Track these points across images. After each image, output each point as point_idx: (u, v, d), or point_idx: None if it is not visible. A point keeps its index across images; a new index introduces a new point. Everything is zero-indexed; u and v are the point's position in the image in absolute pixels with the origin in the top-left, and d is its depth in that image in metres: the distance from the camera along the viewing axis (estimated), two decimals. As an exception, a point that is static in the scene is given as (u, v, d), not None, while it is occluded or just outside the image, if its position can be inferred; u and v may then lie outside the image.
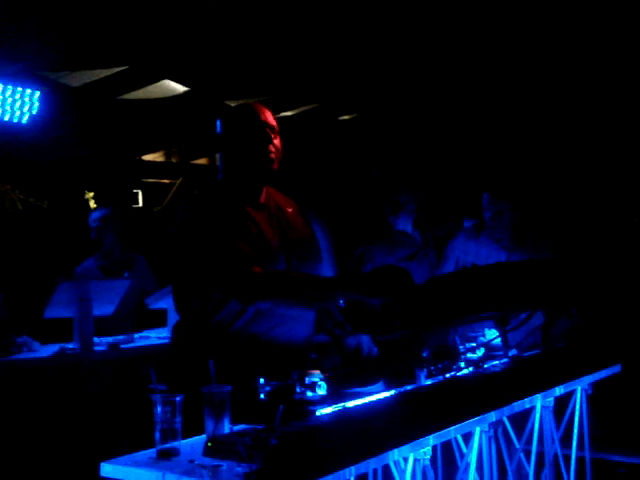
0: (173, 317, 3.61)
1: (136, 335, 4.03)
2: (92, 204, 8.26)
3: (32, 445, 3.06)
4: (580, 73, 5.33)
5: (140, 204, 8.60)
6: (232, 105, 2.31)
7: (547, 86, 5.56)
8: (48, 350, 3.63)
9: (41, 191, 7.17)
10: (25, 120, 4.96)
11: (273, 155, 2.34)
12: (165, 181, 8.87)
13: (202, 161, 8.81)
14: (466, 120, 6.50)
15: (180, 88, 5.98)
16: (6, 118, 4.85)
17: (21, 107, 4.88)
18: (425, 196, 3.89)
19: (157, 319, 4.23)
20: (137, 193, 8.67)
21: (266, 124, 2.34)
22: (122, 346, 3.79)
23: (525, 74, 5.53)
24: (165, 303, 4.01)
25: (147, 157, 8.16)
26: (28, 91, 4.92)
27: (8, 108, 4.81)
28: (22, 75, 4.92)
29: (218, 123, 2.44)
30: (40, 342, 3.70)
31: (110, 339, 3.85)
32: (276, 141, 2.36)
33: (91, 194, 8.20)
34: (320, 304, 2.21)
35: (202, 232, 2.21)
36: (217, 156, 8.47)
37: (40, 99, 4.99)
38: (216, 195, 2.34)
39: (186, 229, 2.27)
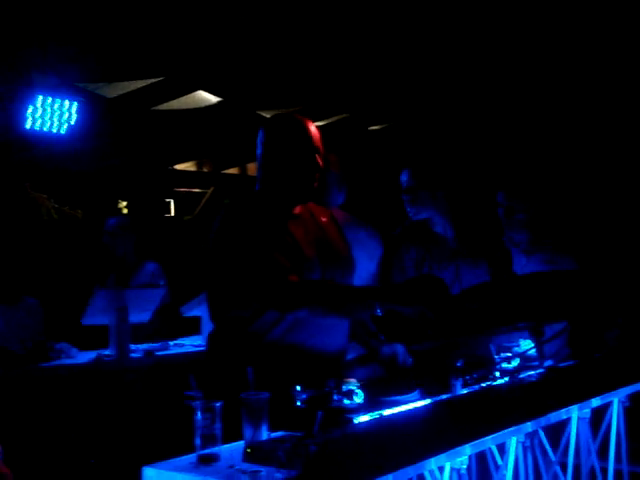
0: (207, 325, 3.65)
1: (171, 343, 4.08)
2: (125, 213, 8.39)
3: (73, 449, 3.11)
4: (592, 78, 5.32)
5: (172, 213, 8.72)
6: (270, 116, 2.28)
7: (571, 91, 5.56)
8: (85, 357, 3.70)
9: (76, 200, 7.30)
10: (63, 130, 5.06)
11: (317, 183, 2.36)
12: (196, 190, 8.97)
13: (233, 171, 8.90)
14: (492, 125, 6.50)
15: (213, 99, 6.05)
16: (45, 128, 4.96)
17: (60, 118, 4.98)
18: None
19: (192, 326, 4.27)
20: (169, 202, 8.78)
21: (317, 149, 2.33)
22: (157, 353, 3.84)
23: (547, 82, 5.53)
24: (199, 311, 4.05)
25: (179, 167, 8.26)
26: (66, 102, 5.02)
27: (48, 119, 4.92)
28: (61, 87, 5.03)
29: (262, 133, 2.39)
30: (78, 348, 3.77)
31: (146, 346, 3.91)
32: (319, 161, 2.36)
33: (124, 203, 8.33)
34: (357, 313, 2.21)
35: (239, 242, 2.23)
36: (255, 165, 8.50)
37: (78, 110, 5.09)
38: (253, 205, 2.35)
39: (223, 239, 2.29)
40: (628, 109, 5.49)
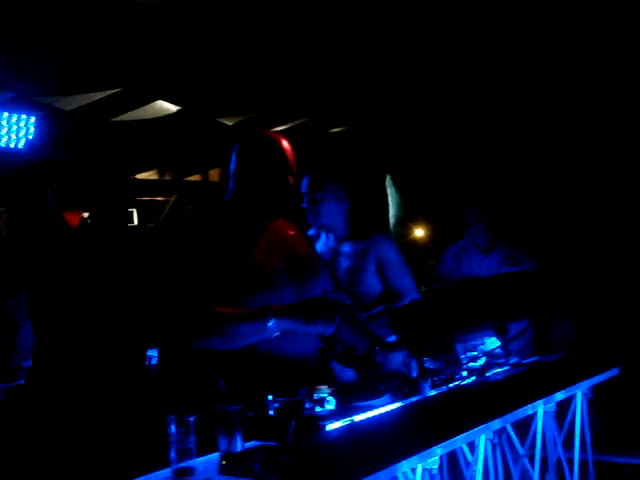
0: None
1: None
2: (87, 224, 8.28)
3: (48, 465, 3.08)
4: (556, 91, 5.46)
5: (135, 222, 8.65)
6: (248, 131, 2.26)
7: (524, 95, 5.68)
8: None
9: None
10: (22, 145, 5.02)
11: (287, 202, 2.42)
12: (159, 199, 8.92)
13: (195, 178, 8.88)
14: (452, 130, 6.61)
15: (173, 108, 6.04)
16: (3, 144, 4.90)
17: (17, 132, 4.94)
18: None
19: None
20: (132, 212, 8.72)
21: (290, 171, 2.40)
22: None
23: (503, 88, 5.65)
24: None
25: (141, 176, 8.21)
26: (24, 117, 4.98)
27: (5, 134, 4.87)
28: (18, 101, 4.98)
29: (238, 148, 2.42)
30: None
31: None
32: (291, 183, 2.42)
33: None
34: (256, 337, 2.21)
35: (193, 261, 2.26)
36: (217, 171, 8.54)
37: (35, 124, 5.05)
38: (222, 218, 2.39)
39: (182, 253, 2.32)
40: (582, 119, 5.64)
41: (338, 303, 2.23)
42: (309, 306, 2.14)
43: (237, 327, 2.16)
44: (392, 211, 8.24)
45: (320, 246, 3.24)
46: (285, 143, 2.41)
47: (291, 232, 2.50)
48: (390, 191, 8.23)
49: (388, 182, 8.24)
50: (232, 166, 2.43)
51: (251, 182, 2.39)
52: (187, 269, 2.26)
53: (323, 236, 3.26)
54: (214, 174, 8.85)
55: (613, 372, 2.96)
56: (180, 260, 2.31)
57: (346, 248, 3.17)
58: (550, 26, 4.73)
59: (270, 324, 2.11)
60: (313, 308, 2.14)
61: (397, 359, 2.58)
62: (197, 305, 2.19)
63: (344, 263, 3.12)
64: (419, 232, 9.33)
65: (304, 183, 3.17)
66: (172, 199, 8.88)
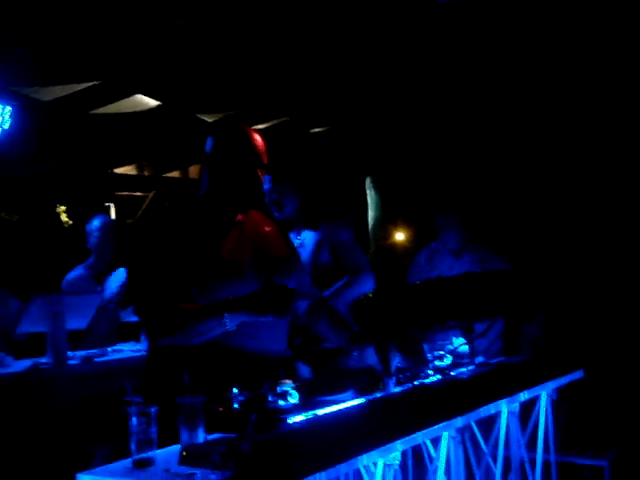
0: (147, 330, 3.63)
1: (109, 349, 4.05)
2: (64, 218, 8.25)
3: (7, 459, 3.06)
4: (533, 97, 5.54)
5: (112, 217, 8.60)
6: (212, 120, 2.32)
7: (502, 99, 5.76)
8: (21, 365, 3.64)
9: (12, 205, 7.14)
10: (-3, 135, 4.98)
11: (257, 194, 2.46)
12: (138, 194, 8.88)
13: (174, 174, 8.85)
14: (432, 134, 6.67)
15: (152, 102, 6.01)
16: (-23, 133, 4.86)
17: (-7, 122, 4.91)
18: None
19: (131, 332, 4.24)
20: (109, 206, 8.68)
21: (259, 164, 2.42)
22: (96, 360, 3.80)
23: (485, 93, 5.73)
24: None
25: (119, 170, 8.16)
26: (-1, 106, 4.95)
27: (-20, 122, 4.83)
28: (-6, 90, 4.94)
29: (210, 141, 2.44)
30: (13, 357, 3.71)
31: (84, 352, 3.87)
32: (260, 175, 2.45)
33: (63, 208, 8.20)
34: (213, 332, 2.23)
35: (160, 256, 2.28)
36: (197, 168, 8.52)
37: (12, 114, 5.01)
38: (194, 211, 2.40)
39: (150, 247, 2.33)
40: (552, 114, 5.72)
41: (295, 291, 2.25)
42: (263, 296, 2.16)
43: (195, 324, 2.19)
44: (371, 213, 8.28)
45: None
46: (256, 136, 2.44)
47: (267, 228, 2.51)
48: (370, 193, 8.26)
49: (368, 184, 8.28)
50: (206, 159, 2.46)
51: (221, 174, 2.41)
52: (153, 265, 2.28)
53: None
54: (194, 171, 8.83)
55: (577, 374, 2.99)
56: (147, 256, 2.32)
57: (306, 240, 3.35)
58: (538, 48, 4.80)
59: (225, 320, 2.14)
60: (267, 297, 2.15)
61: (372, 355, 2.61)
62: (161, 302, 2.22)
63: (303, 254, 3.21)
64: (399, 235, 9.37)
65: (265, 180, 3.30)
66: (151, 195, 8.85)
